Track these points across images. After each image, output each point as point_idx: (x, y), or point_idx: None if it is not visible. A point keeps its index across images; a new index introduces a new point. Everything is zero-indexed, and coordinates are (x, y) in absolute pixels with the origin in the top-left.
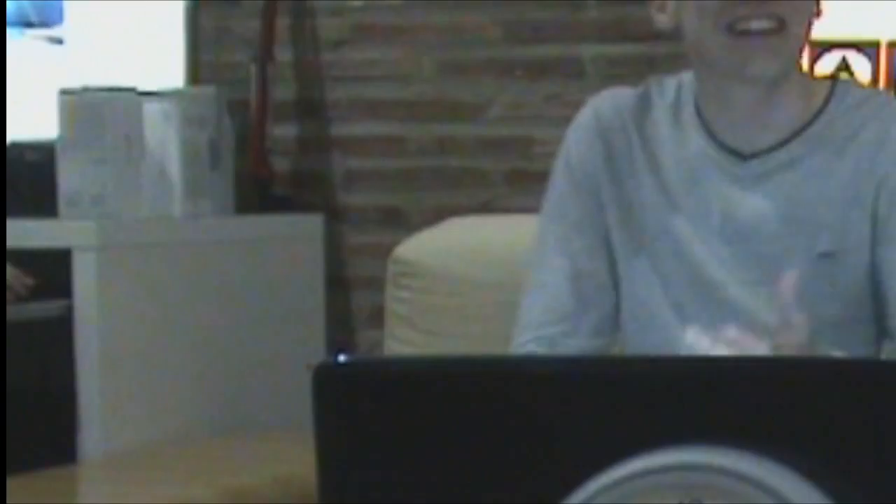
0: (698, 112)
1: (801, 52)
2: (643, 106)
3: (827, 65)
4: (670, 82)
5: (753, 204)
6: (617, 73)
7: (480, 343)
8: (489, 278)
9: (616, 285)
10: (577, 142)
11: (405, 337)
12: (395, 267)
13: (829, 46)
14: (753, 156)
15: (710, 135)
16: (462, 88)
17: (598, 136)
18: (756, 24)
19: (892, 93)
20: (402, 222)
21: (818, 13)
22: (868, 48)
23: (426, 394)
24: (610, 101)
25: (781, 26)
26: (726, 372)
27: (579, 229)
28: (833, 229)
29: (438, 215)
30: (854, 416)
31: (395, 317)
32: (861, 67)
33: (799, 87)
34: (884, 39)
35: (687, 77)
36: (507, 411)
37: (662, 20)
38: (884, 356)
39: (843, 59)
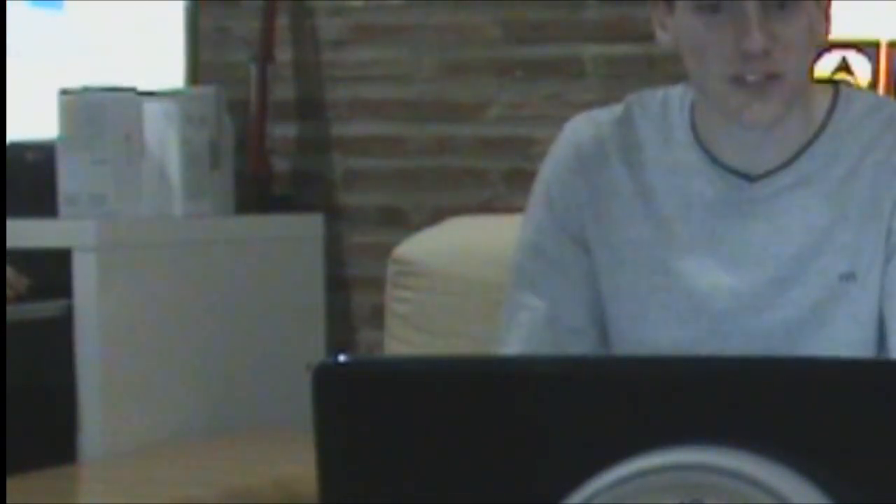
0: (693, 130)
1: (805, 88)
2: (625, 130)
3: (827, 65)
4: (653, 99)
5: (764, 228)
6: (617, 73)
7: (480, 343)
8: (489, 278)
9: (598, 325)
10: (556, 177)
11: (405, 337)
12: (395, 267)
13: (829, 46)
14: (760, 177)
15: (710, 157)
16: (462, 88)
17: (578, 171)
18: (752, 77)
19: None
20: (402, 222)
21: (825, 38)
22: (868, 48)
23: (426, 394)
24: (589, 130)
25: (779, 76)
26: (726, 372)
27: (558, 268)
28: (851, 249)
29: (438, 215)
30: (854, 416)
31: (395, 317)
32: (861, 67)
33: (803, 99)
34: (884, 39)
35: (675, 92)
36: (506, 411)
37: (664, 39)
38: None
39: (843, 59)
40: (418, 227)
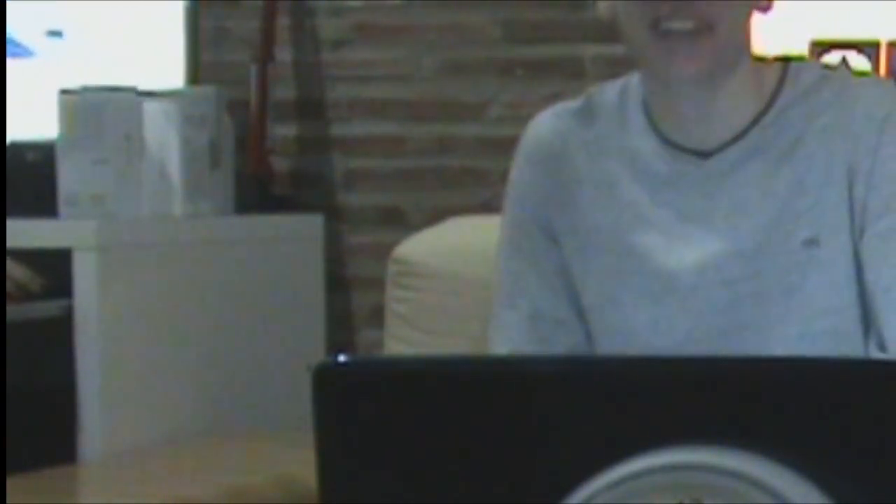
0: (647, 114)
1: (739, 49)
2: (585, 121)
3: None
4: (612, 87)
5: (724, 203)
6: (617, 73)
7: (480, 343)
8: (489, 278)
9: (581, 315)
10: (521, 174)
11: (405, 337)
12: (395, 267)
13: (829, 46)
14: (712, 153)
15: (662, 137)
16: (462, 88)
17: (541, 164)
18: (678, 24)
19: (848, 73)
20: (402, 222)
21: (765, 7)
22: (868, 48)
23: (426, 394)
24: (549, 124)
25: (707, 27)
26: (726, 372)
27: (534, 264)
28: (811, 215)
29: (438, 215)
30: (854, 416)
31: (395, 317)
32: (861, 67)
33: (748, 77)
34: (884, 39)
35: (633, 80)
36: (506, 411)
37: (601, 8)
38: (871, 352)
39: (843, 59)
40: (418, 227)
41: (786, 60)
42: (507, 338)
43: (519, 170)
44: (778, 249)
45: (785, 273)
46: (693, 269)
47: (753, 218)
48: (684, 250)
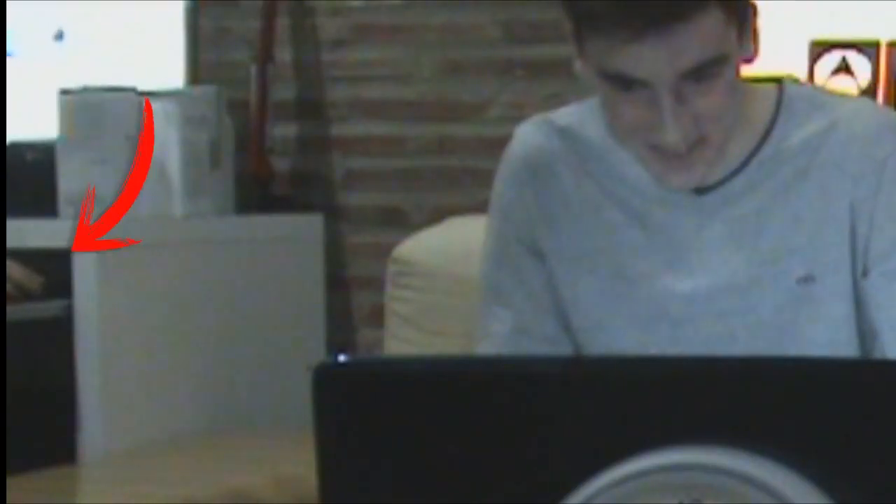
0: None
1: (727, 138)
2: (574, 140)
3: (827, 65)
4: (598, 105)
5: (715, 237)
6: None
7: None
8: None
9: (569, 331)
10: (507, 188)
11: (405, 337)
12: (395, 267)
13: (829, 46)
14: (707, 189)
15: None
16: (462, 88)
17: (527, 182)
18: (673, 147)
19: (842, 94)
20: (402, 222)
21: (751, 58)
22: (868, 48)
23: (426, 394)
24: (538, 139)
25: (703, 142)
26: (726, 372)
27: (520, 278)
28: (807, 252)
29: (438, 215)
30: (854, 416)
31: (395, 317)
32: (861, 67)
33: (742, 112)
34: (884, 39)
35: None
36: (506, 411)
37: (582, 70)
38: None
39: (843, 59)
40: (418, 227)
41: (777, 82)
42: (494, 347)
43: (504, 183)
44: (772, 285)
45: (779, 309)
46: (684, 300)
47: (747, 252)
48: (675, 279)
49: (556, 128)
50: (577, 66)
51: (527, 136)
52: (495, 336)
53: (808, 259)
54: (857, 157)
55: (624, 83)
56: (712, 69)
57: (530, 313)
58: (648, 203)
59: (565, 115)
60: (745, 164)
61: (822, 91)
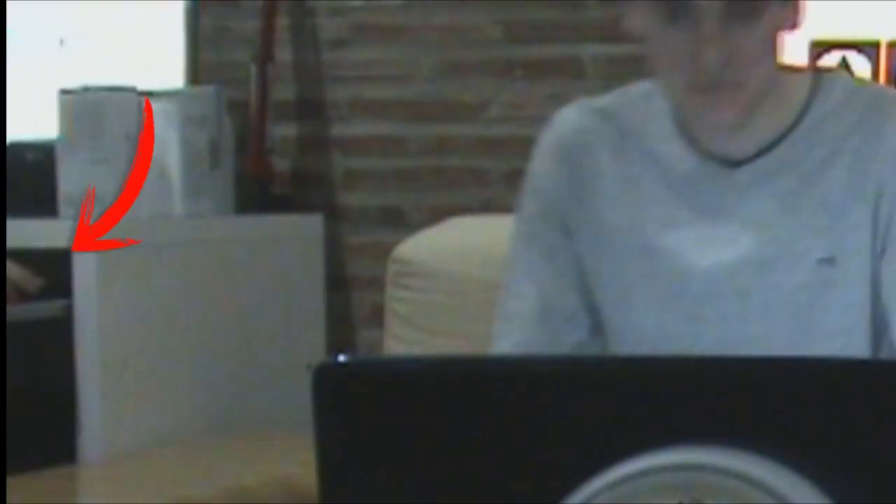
0: (675, 119)
1: (766, 91)
2: (611, 120)
3: (827, 65)
4: (638, 91)
5: (745, 212)
6: (617, 72)
7: (481, 343)
8: (489, 278)
9: (589, 310)
10: (542, 167)
11: (405, 337)
12: (394, 267)
13: (829, 46)
14: (741, 163)
15: (693, 144)
16: (462, 88)
17: (562, 160)
18: (709, 86)
19: (879, 84)
20: (402, 222)
21: (793, 25)
22: (868, 48)
23: (426, 394)
24: (573, 120)
25: (739, 85)
26: (726, 372)
27: (548, 256)
28: (831, 234)
29: (438, 215)
30: (854, 416)
31: (395, 316)
32: (861, 67)
33: (778, 89)
34: (884, 39)
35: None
36: (506, 411)
37: (629, 22)
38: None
39: (843, 59)
40: (418, 227)
41: (816, 70)
42: (516, 330)
43: (538, 162)
44: (792, 264)
45: (797, 290)
46: (705, 276)
47: (772, 231)
48: (700, 254)
49: (593, 109)
50: (625, 22)
51: (564, 118)
52: (518, 315)
53: (830, 242)
54: (890, 144)
55: (671, 11)
56: (757, 2)
57: (556, 291)
58: (681, 177)
59: (603, 99)
60: (778, 141)
61: (857, 79)
